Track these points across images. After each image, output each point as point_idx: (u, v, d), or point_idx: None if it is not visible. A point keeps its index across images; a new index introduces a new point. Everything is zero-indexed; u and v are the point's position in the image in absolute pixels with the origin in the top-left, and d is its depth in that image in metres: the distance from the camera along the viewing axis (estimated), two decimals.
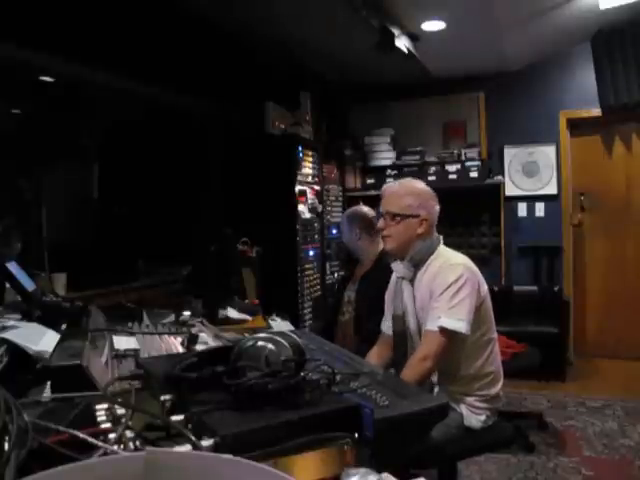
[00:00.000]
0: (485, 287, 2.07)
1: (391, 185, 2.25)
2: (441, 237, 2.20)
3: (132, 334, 1.64)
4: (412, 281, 2.14)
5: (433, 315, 1.98)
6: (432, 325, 1.97)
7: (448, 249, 2.18)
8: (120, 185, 4.14)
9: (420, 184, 2.22)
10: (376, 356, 2.22)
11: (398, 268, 2.17)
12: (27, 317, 1.59)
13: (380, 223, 2.16)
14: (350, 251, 3.35)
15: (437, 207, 2.17)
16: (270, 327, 2.53)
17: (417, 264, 2.11)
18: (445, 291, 1.97)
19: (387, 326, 2.29)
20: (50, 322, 1.52)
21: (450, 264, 2.04)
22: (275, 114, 4.21)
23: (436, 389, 2.06)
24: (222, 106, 3.92)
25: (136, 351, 1.46)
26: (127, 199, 4.11)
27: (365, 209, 3.35)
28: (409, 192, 2.15)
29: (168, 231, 3.90)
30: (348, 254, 3.52)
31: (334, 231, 4.64)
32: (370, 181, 5.43)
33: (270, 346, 1.03)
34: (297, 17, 3.59)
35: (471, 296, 1.97)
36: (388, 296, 2.32)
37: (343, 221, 3.29)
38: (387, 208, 2.14)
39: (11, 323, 1.41)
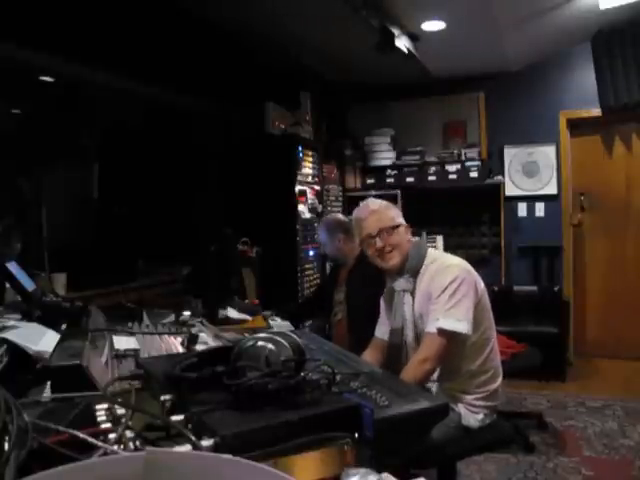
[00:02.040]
0: (482, 285, 2.08)
1: (366, 207, 2.24)
2: (424, 235, 2.24)
3: (132, 334, 1.64)
4: (412, 292, 2.14)
5: (431, 317, 1.99)
6: (431, 327, 1.98)
7: (439, 252, 2.21)
8: (120, 185, 4.14)
9: (381, 200, 2.30)
10: (368, 359, 2.22)
11: (398, 283, 2.16)
12: (27, 317, 1.59)
13: (378, 243, 2.13)
14: (333, 258, 3.44)
15: None
16: (270, 327, 2.53)
17: (414, 273, 2.13)
18: (442, 293, 1.98)
19: (381, 331, 2.29)
20: (50, 322, 1.52)
21: (446, 266, 2.06)
22: (275, 114, 4.21)
23: (434, 387, 2.06)
24: (222, 106, 3.92)
25: (136, 351, 1.46)
26: (127, 199, 4.11)
27: (339, 215, 3.56)
28: (385, 206, 2.22)
29: (168, 231, 3.90)
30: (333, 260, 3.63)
31: None
32: (370, 181, 5.43)
33: (270, 346, 1.03)
34: (297, 17, 3.59)
35: (468, 296, 1.98)
36: (384, 302, 2.32)
37: (321, 232, 3.33)
38: (380, 226, 2.14)
39: (11, 323, 1.41)
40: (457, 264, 2.07)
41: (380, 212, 2.18)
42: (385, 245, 2.12)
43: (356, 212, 2.27)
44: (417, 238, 2.27)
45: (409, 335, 2.14)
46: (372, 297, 2.73)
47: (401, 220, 2.19)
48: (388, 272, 2.21)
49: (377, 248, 2.13)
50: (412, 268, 2.12)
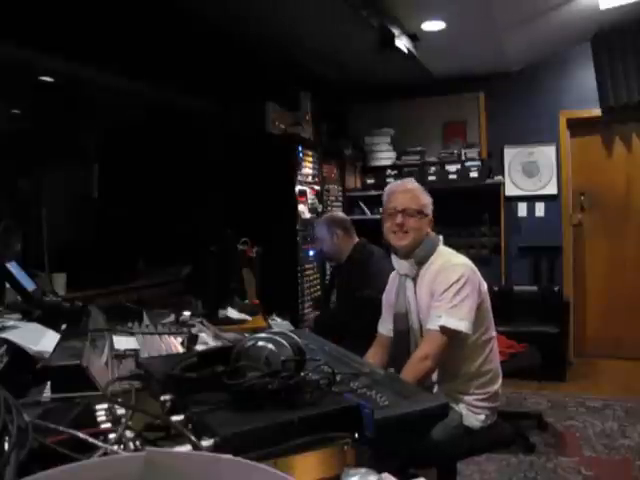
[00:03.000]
0: (484, 286, 2.08)
1: (403, 183, 2.25)
2: (441, 237, 2.22)
3: (132, 334, 1.64)
4: (414, 279, 2.14)
5: (434, 314, 1.98)
6: (433, 324, 1.97)
7: (448, 249, 2.20)
8: (120, 185, 4.14)
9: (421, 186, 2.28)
10: (372, 357, 2.21)
11: (402, 266, 2.16)
12: (27, 317, 1.59)
13: (398, 219, 2.12)
14: (331, 257, 3.48)
15: None
16: (270, 327, 2.53)
17: (420, 262, 2.13)
18: (446, 291, 1.98)
19: (385, 328, 2.28)
20: (50, 322, 1.52)
21: (452, 264, 2.06)
22: (275, 114, 4.21)
23: (435, 388, 2.06)
24: (222, 106, 3.92)
25: (136, 351, 1.46)
26: (127, 199, 4.11)
27: (340, 213, 3.69)
28: (423, 192, 2.22)
29: (168, 231, 3.90)
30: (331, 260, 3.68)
31: None
32: (370, 181, 5.43)
33: (270, 346, 1.03)
34: (297, 17, 3.59)
35: (472, 296, 1.98)
36: (387, 296, 2.31)
37: (321, 229, 3.35)
38: (407, 205, 2.13)
39: (11, 323, 1.41)
40: (463, 263, 2.07)
41: (414, 193, 2.17)
42: (404, 224, 2.12)
43: (392, 184, 2.28)
44: (436, 234, 2.25)
45: (414, 321, 2.14)
46: (358, 296, 2.78)
47: (429, 211, 2.19)
48: (396, 251, 2.20)
49: (396, 223, 2.13)
50: (420, 256, 2.12)
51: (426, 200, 2.19)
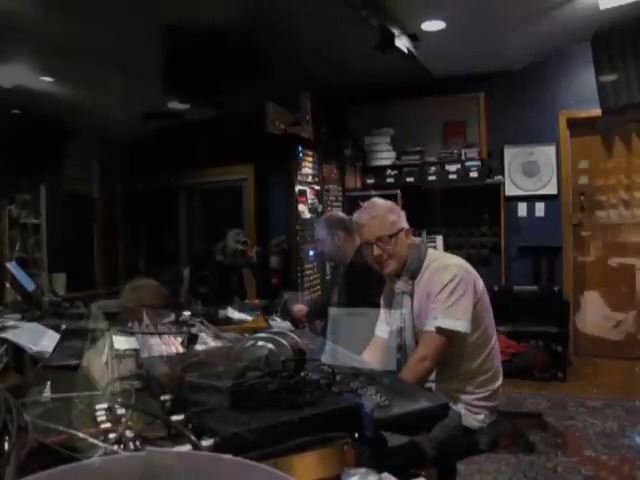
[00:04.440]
0: (481, 285, 2.07)
1: (365, 211, 2.19)
2: (424, 235, 2.21)
3: (132, 334, 1.63)
4: (411, 294, 2.14)
5: (430, 316, 1.99)
6: (430, 326, 1.98)
7: (439, 252, 2.19)
8: (120, 185, 4.14)
9: (385, 200, 2.24)
10: (368, 358, 2.21)
11: (398, 285, 2.16)
12: (27, 317, 1.59)
13: (375, 251, 2.11)
14: (332, 258, 3.43)
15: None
16: (270, 327, 2.53)
17: (413, 275, 2.12)
18: (441, 291, 1.98)
19: (381, 330, 2.28)
20: (50, 322, 1.52)
21: (445, 265, 2.06)
22: (275, 114, 4.21)
23: (433, 387, 2.06)
24: (222, 106, 3.93)
25: (136, 351, 1.46)
26: (127, 199, 4.11)
27: (341, 213, 3.59)
28: (387, 210, 2.16)
29: (168, 231, 3.91)
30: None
31: None
32: (370, 181, 5.42)
33: (270, 346, 1.03)
34: (297, 17, 3.59)
35: (467, 295, 1.98)
36: (384, 301, 2.31)
37: (321, 229, 3.28)
38: (377, 234, 2.11)
39: (11, 323, 1.41)
40: (455, 263, 2.07)
41: (380, 218, 2.13)
42: (382, 253, 2.11)
43: (357, 216, 2.22)
44: (418, 239, 2.25)
45: (407, 337, 2.14)
46: (360, 300, 2.76)
47: (402, 224, 2.16)
48: (390, 274, 2.21)
49: (375, 255, 2.12)
50: (411, 271, 2.12)
51: (395, 216, 2.14)
